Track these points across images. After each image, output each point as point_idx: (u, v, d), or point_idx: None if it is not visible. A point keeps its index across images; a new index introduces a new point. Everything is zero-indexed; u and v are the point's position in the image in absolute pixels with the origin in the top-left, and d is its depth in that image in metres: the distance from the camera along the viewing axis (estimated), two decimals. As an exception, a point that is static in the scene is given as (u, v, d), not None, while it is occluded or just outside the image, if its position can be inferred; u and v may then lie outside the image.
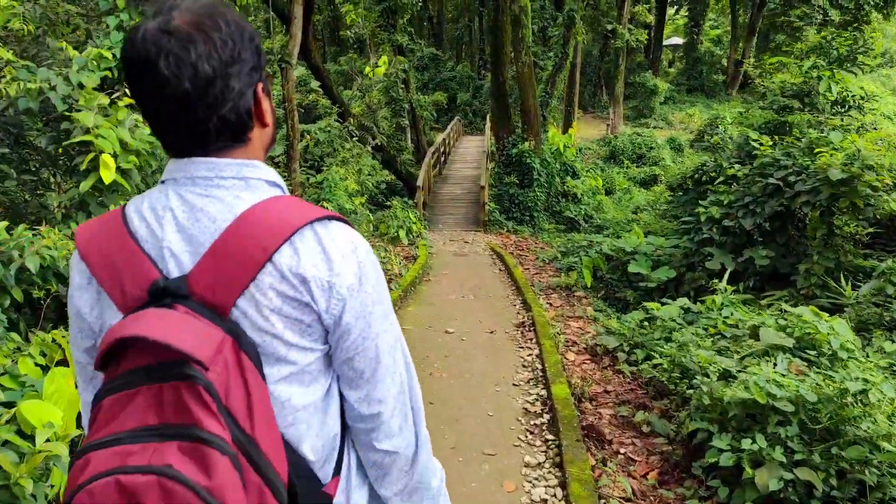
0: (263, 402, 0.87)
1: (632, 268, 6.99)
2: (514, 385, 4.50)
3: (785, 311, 5.95)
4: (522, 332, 5.78)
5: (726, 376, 3.47)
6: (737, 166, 7.20)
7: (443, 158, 18.79)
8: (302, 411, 0.94)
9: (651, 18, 30.12)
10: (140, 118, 4.94)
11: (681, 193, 9.65)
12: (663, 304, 6.50)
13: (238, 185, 0.92)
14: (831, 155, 6.13)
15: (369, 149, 10.16)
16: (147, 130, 5.00)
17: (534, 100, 13.85)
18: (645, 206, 13.97)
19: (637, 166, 27.57)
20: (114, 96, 4.74)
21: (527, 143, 13.80)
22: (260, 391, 0.87)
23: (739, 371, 3.47)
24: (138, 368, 0.82)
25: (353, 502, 1.05)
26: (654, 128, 32.43)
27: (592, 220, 13.32)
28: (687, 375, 3.90)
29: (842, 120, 8.45)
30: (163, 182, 0.94)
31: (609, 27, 29.60)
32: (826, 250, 6.30)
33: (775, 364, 3.49)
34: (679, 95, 37.21)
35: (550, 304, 7.08)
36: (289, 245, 0.88)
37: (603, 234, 11.65)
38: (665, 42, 40.92)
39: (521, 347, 5.32)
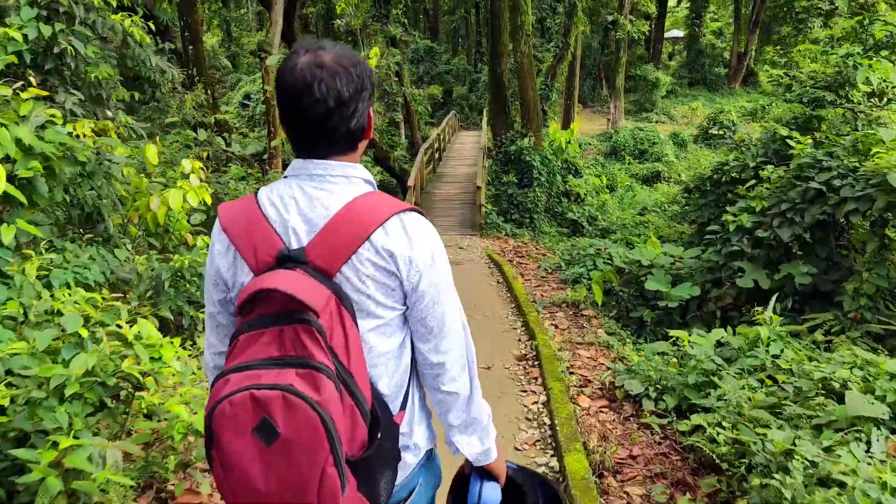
0: (357, 344, 1.15)
1: (649, 285, 6.10)
2: (517, 450, 3.60)
3: (832, 343, 5.08)
4: (525, 368, 4.87)
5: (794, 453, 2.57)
6: (770, 167, 6.29)
7: (437, 155, 17.85)
8: (382, 356, 1.24)
9: (653, 9, 29.15)
10: (56, 112, 4.00)
11: (697, 195, 8.74)
12: (690, 330, 5.61)
13: (343, 181, 1.21)
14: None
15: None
16: (66, 130, 4.08)
17: (533, 92, 12.88)
18: (652, 206, 13.07)
19: (639, 162, 26.67)
20: (15, 86, 3.80)
21: (526, 140, 12.86)
22: (354, 336, 1.15)
23: (823, 453, 2.57)
24: (268, 314, 1.09)
25: (414, 432, 1.35)
26: (656, 122, 31.51)
27: (597, 223, 12.40)
28: (743, 446, 3.00)
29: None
30: (286, 177, 1.23)
31: (610, 18, 28.65)
32: (877, 266, 5.41)
33: (869, 445, 2.60)
34: (681, 89, 36.27)
35: (556, 326, 6.18)
36: (381, 228, 1.16)
37: (610, 238, 10.75)
38: (665, 35, 39.94)
39: (525, 391, 4.42)
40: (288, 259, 1.13)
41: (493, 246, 10.74)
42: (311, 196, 1.17)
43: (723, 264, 6.07)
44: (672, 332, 4.76)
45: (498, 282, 8.11)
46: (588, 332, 6.09)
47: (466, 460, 1.44)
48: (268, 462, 1.02)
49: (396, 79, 22.50)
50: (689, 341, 4.48)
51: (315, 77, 1.12)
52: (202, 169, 5.34)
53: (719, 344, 4.52)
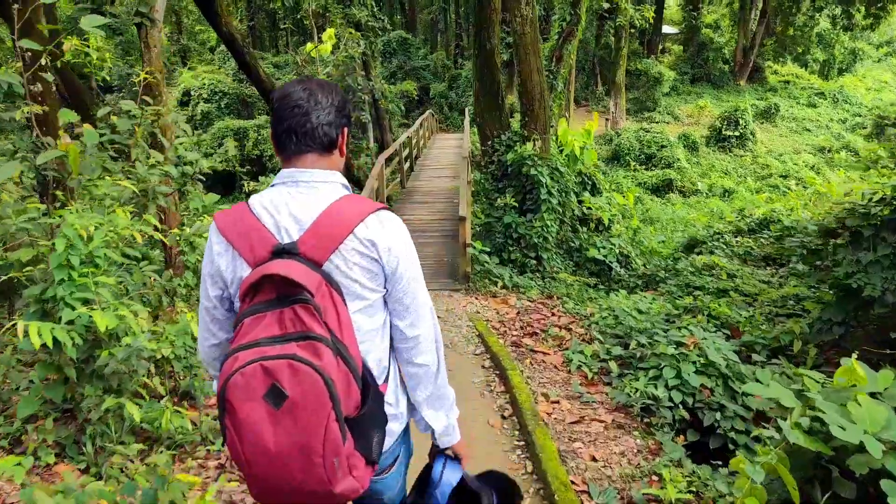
0: (347, 321, 1.37)
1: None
2: None
3: None
4: None
5: None
6: None
7: (408, 164, 14.02)
8: (369, 333, 1.47)
9: (658, -8, 25.61)
10: None
11: (844, 242, 5.03)
12: None
13: (325, 186, 1.45)
14: None
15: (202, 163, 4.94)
16: None
17: (539, 75, 9.07)
18: (705, 236, 9.35)
19: (646, 168, 23.13)
20: None
21: (529, 144, 9.09)
22: (345, 314, 1.37)
23: None
24: (268, 299, 1.30)
25: (399, 402, 1.59)
26: (660, 122, 28.05)
27: (631, 264, 8.66)
28: None
29: None
30: (273, 185, 1.46)
31: (606, 5, 25.09)
32: None
33: None
34: (682, 86, 32.87)
35: None
36: (363, 223, 1.40)
37: (664, 292, 7.00)
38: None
39: None
40: (282, 251, 1.35)
41: (487, 310, 6.94)
42: (298, 199, 1.40)
43: None
44: None
45: (503, 415, 4.32)
46: None
47: (432, 447, 1.68)
48: (277, 423, 1.22)
49: (363, 72, 18.67)
50: None
51: (305, 90, 1.45)
52: None
53: None
